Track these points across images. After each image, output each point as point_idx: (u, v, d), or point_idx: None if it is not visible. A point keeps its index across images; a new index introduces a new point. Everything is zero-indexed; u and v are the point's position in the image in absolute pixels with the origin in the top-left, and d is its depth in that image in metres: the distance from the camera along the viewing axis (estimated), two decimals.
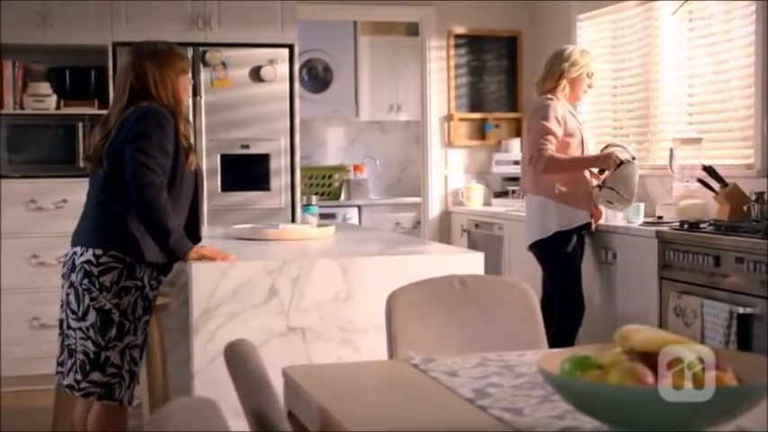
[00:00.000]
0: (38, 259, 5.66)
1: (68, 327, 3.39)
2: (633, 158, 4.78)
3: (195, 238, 3.52)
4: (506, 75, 6.89)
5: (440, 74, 6.78)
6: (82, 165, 3.61)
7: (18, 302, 5.63)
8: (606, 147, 5.43)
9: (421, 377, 2.27)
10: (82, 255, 3.35)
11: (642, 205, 4.82)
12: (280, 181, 6.01)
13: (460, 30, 6.79)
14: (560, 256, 4.74)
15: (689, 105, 5.31)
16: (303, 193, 5.84)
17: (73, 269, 3.37)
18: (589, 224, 4.78)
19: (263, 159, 5.98)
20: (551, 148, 4.67)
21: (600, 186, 4.72)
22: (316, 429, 2.07)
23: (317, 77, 8.09)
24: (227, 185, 5.95)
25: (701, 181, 4.74)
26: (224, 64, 5.91)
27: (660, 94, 5.51)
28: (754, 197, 4.36)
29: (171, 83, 3.45)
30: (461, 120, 6.83)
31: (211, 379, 3.26)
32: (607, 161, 4.73)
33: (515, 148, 6.63)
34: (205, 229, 4.97)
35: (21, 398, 5.39)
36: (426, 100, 6.80)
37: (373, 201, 8.05)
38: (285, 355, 3.32)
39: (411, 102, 7.82)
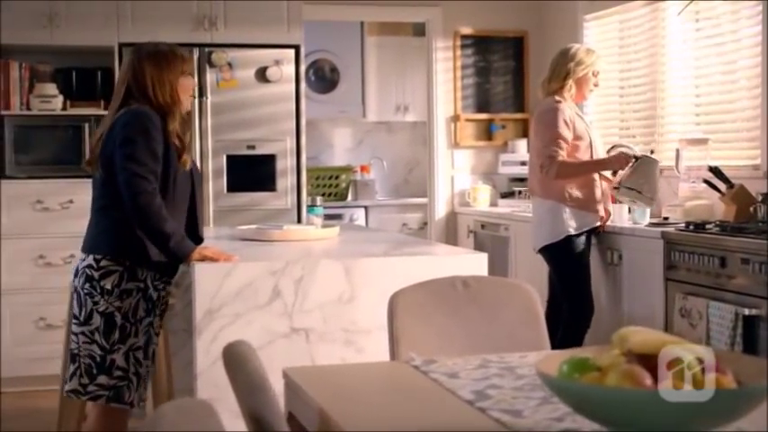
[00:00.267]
0: (44, 260, 5.68)
1: (71, 332, 3.41)
2: (652, 152, 4.74)
3: (196, 238, 3.51)
4: (513, 75, 6.88)
5: (446, 74, 6.77)
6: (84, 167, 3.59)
7: (24, 303, 5.64)
8: (612, 147, 5.42)
9: (421, 378, 2.26)
10: (84, 260, 3.38)
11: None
12: (286, 182, 6.01)
13: (467, 30, 6.79)
14: (571, 259, 4.72)
15: (695, 106, 5.29)
16: (309, 194, 5.84)
17: (76, 274, 3.41)
18: (598, 226, 4.77)
19: (269, 160, 5.98)
20: (562, 153, 4.64)
21: (617, 188, 4.69)
22: (315, 430, 2.07)
23: (323, 78, 8.09)
24: (233, 186, 5.95)
25: (707, 182, 4.72)
26: (230, 65, 5.92)
27: (667, 95, 5.49)
28: (760, 198, 4.34)
29: (169, 84, 3.44)
30: (468, 120, 6.81)
31: (214, 380, 3.25)
32: (620, 162, 4.70)
33: (522, 148, 6.62)
34: (210, 230, 4.99)
35: (26, 398, 5.40)
36: (433, 100, 6.79)
37: (380, 201, 8.05)
38: (288, 356, 3.32)
39: (418, 102, 7.81)
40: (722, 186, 4.65)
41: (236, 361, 1.88)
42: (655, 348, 1.65)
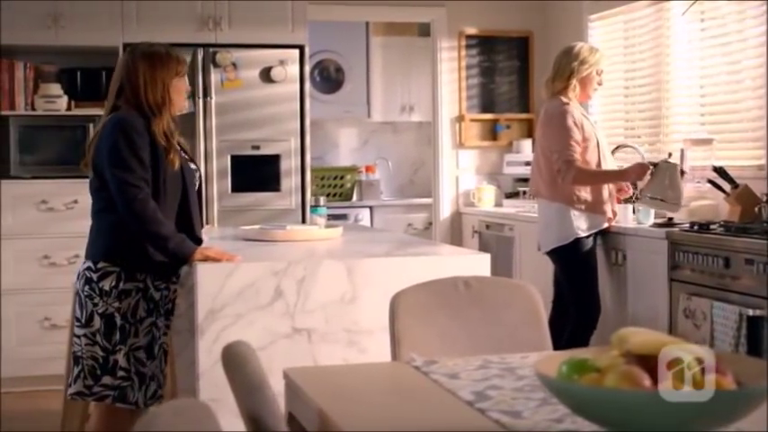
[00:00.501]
0: (49, 260, 5.68)
1: (74, 334, 3.42)
2: (670, 155, 4.70)
3: (194, 239, 3.51)
4: (518, 75, 6.87)
5: (451, 74, 6.77)
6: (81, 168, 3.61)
7: (29, 303, 5.65)
8: (618, 147, 5.41)
9: (422, 379, 2.26)
10: (84, 263, 3.42)
11: None
12: (290, 182, 6.00)
13: (472, 30, 6.78)
14: (580, 260, 4.70)
15: (700, 106, 5.27)
16: (314, 194, 5.83)
17: (78, 277, 3.44)
18: (606, 227, 4.75)
19: (274, 160, 5.98)
20: (578, 158, 4.61)
21: (639, 198, 4.65)
22: (315, 431, 2.06)
23: (328, 78, 8.08)
24: (238, 186, 5.94)
25: (711, 182, 4.71)
26: (234, 65, 5.91)
27: (672, 95, 5.48)
28: (765, 198, 4.32)
29: (162, 84, 3.44)
30: (473, 120, 6.81)
31: (216, 380, 3.22)
32: (639, 172, 4.66)
33: (527, 148, 6.61)
34: (215, 230, 4.99)
35: (31, 398, 5.41)
36: (437, 101, 6.78)
37: (385, 202, 8.04)
38: (290, 356, 3.31)
39: (423, 103, 7.80)
40: (727, 186, 4.63)
41: (235, 361, 1.88)
42: (654, 349, 1.64)
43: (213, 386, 3.27)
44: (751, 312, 3.78)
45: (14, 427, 4.88)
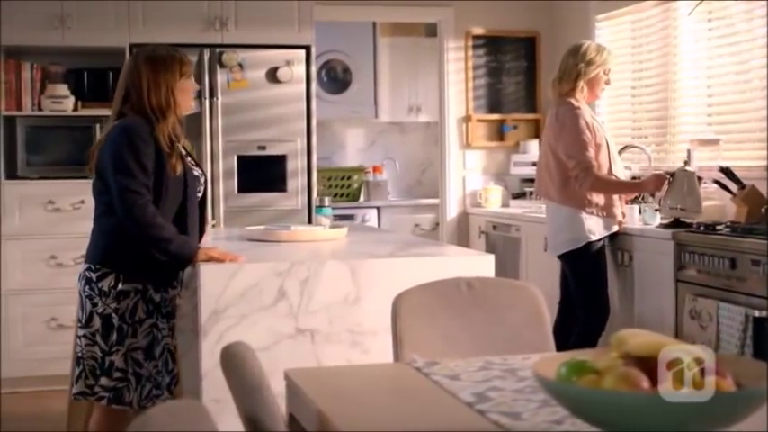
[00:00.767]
0: (56, 260, 5.69)
1: (76, 334, 3.43)
2: (686, 162, 4.66)
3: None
4: (525, 76, 6.86)
5: (458, 75, 6.75)
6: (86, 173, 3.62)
7: (36, 303, 5.66)
8: (624, 148, 5.39)
9: (422, 380, 2.25)
10: (85, 264, 3.44)
11: None
12: (296, 182, 6.00)
13: (479, 30, 6.77)
14: (591, 263, 4.68)
15: (707, 106, 5.26)
16: (321, 195, 5.83)
17: (80, 278, 3.45)
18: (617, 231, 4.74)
19: (280, 161, 5.98)
20: (596, 164, 4.58)
21: (658, 209, 4.63)
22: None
23: (336, 78, 8.08)
24: (244, 187, 5.94)
25: (717, 182, 4.69)
26: (240, 65, 5.92)
27: (679, 95, 5.46)
28: None
29: (166, 87, 3.43)
30: (479, 121, 6.80)
31: (220, 381, 3.20)
32: (656, 184, 4.62)
33: (534, 149, 6.59)
34: (221, 231, 4.99)
35: (38, 398, 5.42)
36: (444, 101, 6.77)
37: (392, 202, 8.03)
38: (294, 357, 3.31)
39: (431, 103, 7.78)
40: (733, 187, 4.61)
41: (233, 362, 1.87)
42: (652, 351, 1.63)
43: (216, 387, 3.25)
44: (757, 313, 3.76)
45: (20, 427, 4.89)
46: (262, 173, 5.97)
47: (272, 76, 5.96)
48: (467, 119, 6.76)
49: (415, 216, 7.87)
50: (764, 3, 4.71)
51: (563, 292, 4.91)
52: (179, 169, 3.42)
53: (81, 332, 3.39)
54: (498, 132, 6.83)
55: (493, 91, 6.82)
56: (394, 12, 6.85)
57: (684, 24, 5.37)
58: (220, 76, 5.90)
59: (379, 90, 8.12)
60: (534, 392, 2.07)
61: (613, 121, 6.10)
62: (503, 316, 2.79)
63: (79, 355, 3.40)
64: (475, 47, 6.77)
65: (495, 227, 6.36)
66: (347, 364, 3.22)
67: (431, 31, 7.68)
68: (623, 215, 4.75)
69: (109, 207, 3.38)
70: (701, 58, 5.27)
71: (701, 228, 4.29)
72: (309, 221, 5.88)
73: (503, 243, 6.18)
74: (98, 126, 5.74)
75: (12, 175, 5.74)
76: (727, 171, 4.63)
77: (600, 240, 4.67)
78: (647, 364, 1.63)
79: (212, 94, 5.88)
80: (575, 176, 4.59)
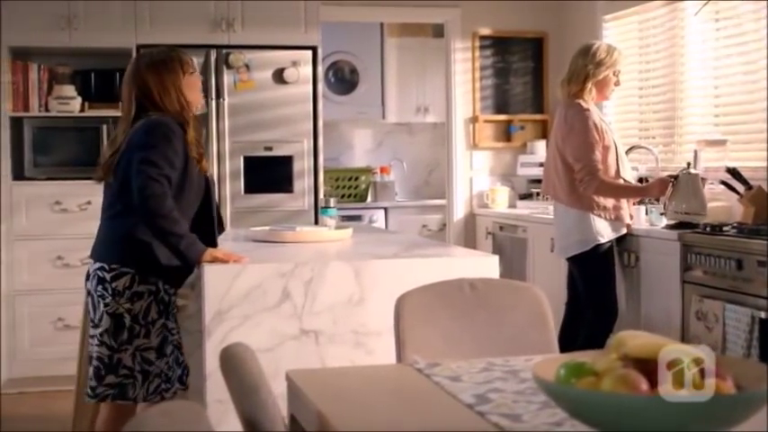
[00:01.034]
0: (62, 261, 5.71)
1: (90, 335, 3.43)
2: (688, 165, 4.64)
3: (212, 244, 3.52)
4: (532, 76, 6.85)
5: (465, 75, 6.74)
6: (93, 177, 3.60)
7: (42, 304, 5.68)
8: (632, 148, 5.38)
9: (423, 382, 2.24)
10: (94, 264, 3.41)
11: None
12: (303, 183, 6.00)
13: (486, 31, 6.76)
14: (600, 265, 4.66)
15: (714, 107, 5.24)
16: (328, 195, 5.83)
17: (88, 278, 3.43)
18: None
19: (287, 161, 5.98)
20: (602, 168, 4.56)
21: (664, 213, 4.61)
22: None
23: (343, 79, 8.07)
24: (250, 187, 5.95)
25: (724, 183, 4.67)
26: (247, 66, 5.92)
27: (686, 96, 5.44)
28: None
29: (174, 89, 3.44)
30: (486, 121, 6.79)
31: (223, 382, 3.24)
32: (660, 188, 4.60)
33: (541, 150, 6.58)
34: (227, 231, 4.98)
35: (44, 399, 5.42)
36: (451, 102, 6.76)
37: (400, 203, 8.02)
38: (298, 358, 3.31)
39: (438, 104, 7.77)
40: (740, 188, 4.59)
41: (232, 364, 1.87)
42: (651, 353, 1.62)
43: (221, 387, 3.22)
44: (763, 315, 3.74)
45: (26, 427, 4.90)
46: (268, 174, 5.97)
47: (279, 76, 5.96)
48: (474, 119, 6.75)
49: (423, 217, 7.86)
50: None
51: (570, 292, 4.90)
52: (209, 169, 3.45)
53: (95, 332, 3.38)
54: (505, 133, 6.82)
55: (500, 91, 6.81)
56: (401, 12, 6.85)
57: (692, 24, 5.35)
58: (227, 77, 5.90)
59: (387, 91, 8.11)
60: (535, 394, 2.06)
61: (621, 121, 6.09)
62: (506, 317, 2.78)
63: (92, 355, 3.40)
64: (482, 47, 6.75)
65: (502, 228, 6.34)
66: (350, 366, 3.21)
67: (438, 31, 7.67)
68: (631, 217, 4.73)
69: (128, 207, 3.36)
70: (708, 58, 5.25)
71: (708, 229, 4.27)
72: (316, 222, 5.88)
73: (510, 244, 6.16)
74: (105, 127, 5.75)
75: (19, 175, 5.75)
76: (733, 172, 4.61)
77: (608, 242, 4.66)
78: (646, 366, 1.62)
79: (219, 94, 5.89)
80: (579, 179, 4.58)
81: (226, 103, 5.90)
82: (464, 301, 2.78)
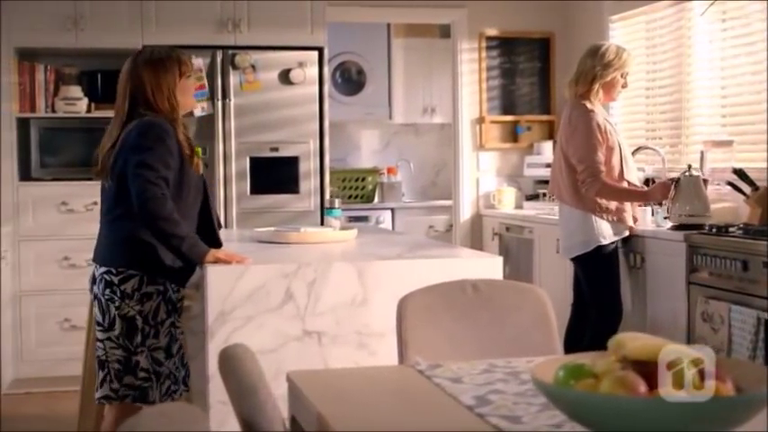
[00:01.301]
0: (69, 261, 5.71)
1: (97, 339, 3.42)
2: (690, 166, 4.62)
3: (215, 243, 3.52)
4: (539, 77, 6.83)
5: (471, 76, 6.73)
6: (92, 178, 3.61)
7: (49, 304, 5.69)
8: (638, 149, 5.36)
9: (424, 383, 2.23)
10: (99, 268, 3.40)
11: None
12: (309, 184, 6.00)
13: (492, 32, 6.75)
14: (604, 266, 4.64)
15: (721, 107, 5.22)
16: (333, 196, 5.82)
17: (94, 281, 3.42)
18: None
19: (293, 162, 5.98)
20: (604, 170, 4.55)
21: (667, 217, 4.59)
22: None
23: (350, 80, 8.07)
24: (257, 188, 5.95)
25: (731, 184, 4.65)
26: (253, 67, 5.92)
27: (693, 96, 5.42)
28: None
29: (168, 88, 3.44)
30: (493, 122, 6.78)
31: None
32: (662, 192, 4.59)
33: (548, 150, 6.56)
34: (233, 232, 4.99)
35: (51, 399, 5.43)
36: (458, 102, 6.76)
37: (407, 204, 8.01)
38: (301, 359, 3.31)
39: (445, 104, 7.76)
40: (746, 189, 4.57)
41: (231, 365, 1.86)
42: (650, 355, 1.61)
43: (223, 389, 3.25)
44: None
45: (32, 427, 4.90)
46: (274, 174, 5.97)
47: (285, 77, 5.96)
48: (480, 120, 6.75)
49: (430, 217, 7.85)
50: None
51: (576, 293, 4.88)
52: (201, 169, 3.45)
53: (103, 336, 3.37)
54: (512, 134, 6.81)
55: (506, 92, 6.80)
56: (407, 13, 6.84)
57: (699, 25, 5.33)
58: (233, 78, 5.90)
59: (394, 91, 8.11)
60: (536, 396, 2.05)
61: (627, 122, 6.07)
62: (508, 318, 2.77)
63: (102, 358, 3.39)
64: (488, 48, 6.74)
65: (508, 228, 6.33)
66: (352, 367, 3.20)
67: (445, 32, 7.66)
68: (635, 220, 4.72)
69: (128, 210, 3.36)
70: (715, 58, 5.23)
71: (714, 230, 4.26)
72: (322, 223, 5.86)
73: (516, 245, 6.15)
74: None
75: (25, 176, 5.76)
76: (740, 172, 4.59)
77: (612, 243, 4.64)
78: (645, 368, 1.61)
79: (225, 95, 5.89)
80: (582, 181, 4.57)
81: (232, 103, 5.90)
82: (467, 303, 2.78)
